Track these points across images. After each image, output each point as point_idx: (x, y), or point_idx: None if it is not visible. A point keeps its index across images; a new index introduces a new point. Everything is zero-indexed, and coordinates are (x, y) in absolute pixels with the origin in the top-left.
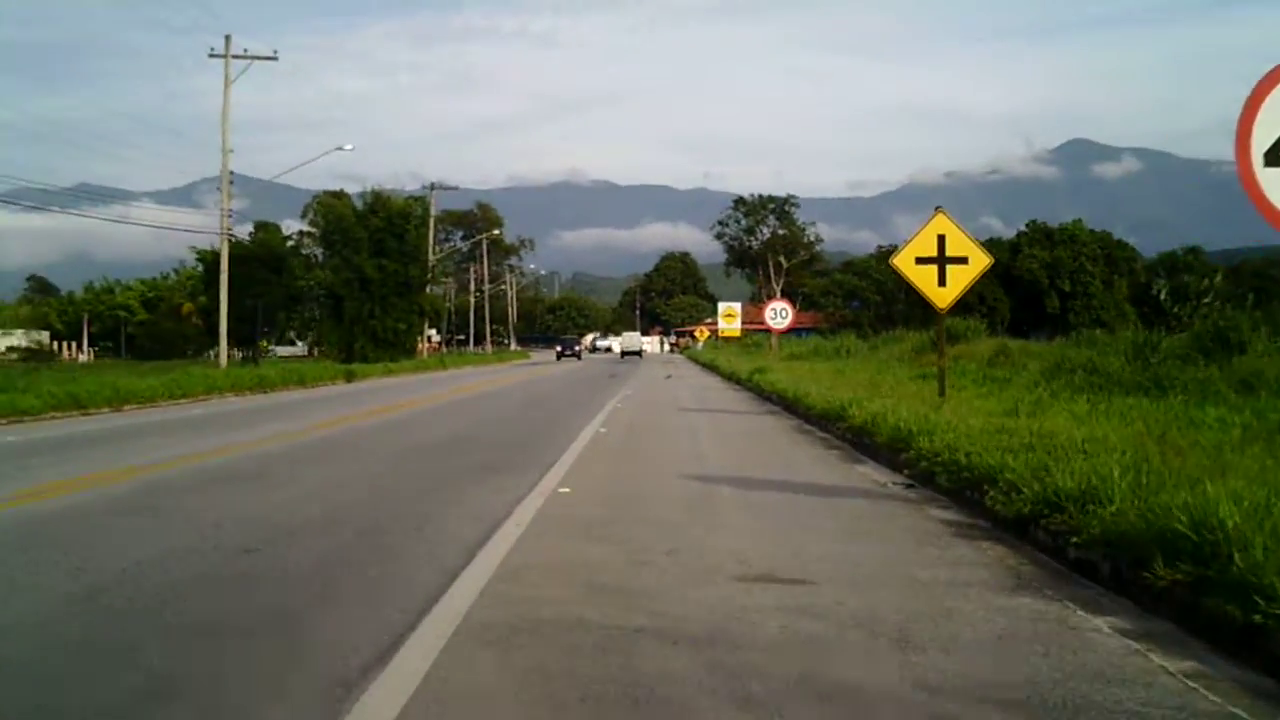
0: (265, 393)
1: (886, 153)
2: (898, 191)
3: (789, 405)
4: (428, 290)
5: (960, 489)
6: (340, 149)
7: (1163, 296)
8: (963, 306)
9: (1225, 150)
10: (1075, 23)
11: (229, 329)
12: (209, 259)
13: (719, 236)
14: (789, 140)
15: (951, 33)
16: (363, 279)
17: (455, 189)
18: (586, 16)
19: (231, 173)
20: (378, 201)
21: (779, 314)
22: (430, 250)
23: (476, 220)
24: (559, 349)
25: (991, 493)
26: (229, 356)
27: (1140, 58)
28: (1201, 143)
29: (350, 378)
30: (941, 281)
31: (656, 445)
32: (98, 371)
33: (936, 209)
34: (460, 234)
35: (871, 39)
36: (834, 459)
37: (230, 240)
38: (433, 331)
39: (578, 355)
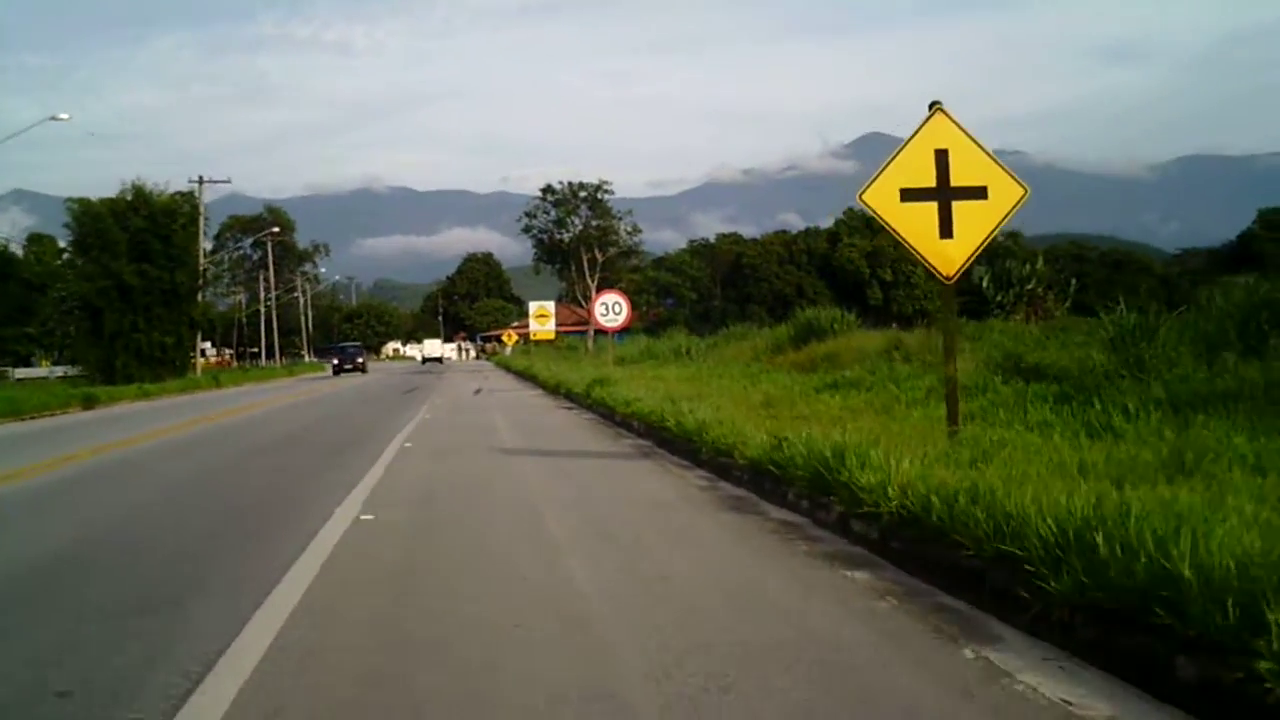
0: None
1: (685, 152)
2: (697, 189)
3: (670, 440)
4: (200, 298)
5: None
6: (55, 119)
7: (985, 284)
8: (777, 298)
9: (1017, 141)
10: (865, 20)
11: None
12: None
13: (526, 230)
14: (588, 141)
15: (747, 33)
16: (122, 287)
17: (227, 182)
18: (381, 23)
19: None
20: (139, 198)
21: (612, 309)
22: (201, 253)
23: (267, 225)
24: (334, 361)
25: None
26: None
27: (930, 50)
28: (994, 133)
29: (90, 404)
30: (946, 230)
31: (470, 592)
32: None
33: (933, 105)
34: (249, 240)
35: (669, 40)
36: (967, 656)
37: None
38: (206, 345)
39: (361, 368)
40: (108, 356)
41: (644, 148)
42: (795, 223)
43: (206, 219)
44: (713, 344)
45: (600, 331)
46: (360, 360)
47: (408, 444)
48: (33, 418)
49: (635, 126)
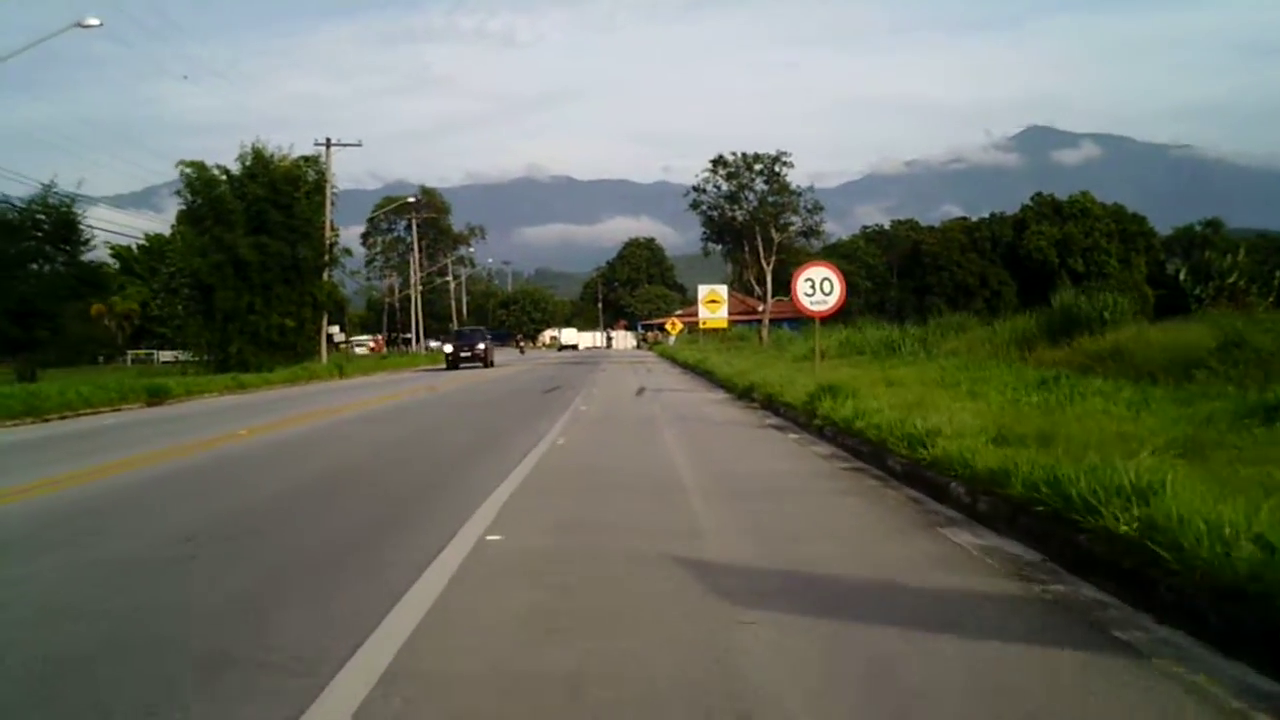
0: None
1: (847, 144)
2: (860, 181)
3: (1134, 575)
4: (326, 276)
5: None
6: (81, 25)
7: (1182, 276)
8: (958, 288)
9: (1181, 133)
10: (1033, 10)
11: None
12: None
13: (694, 206)
14: (749, 132)
15: (910, 24)
16: (238, 263)
17: (358, 145)
18: (545, 14)
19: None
20: (258, 164)
21: (820, 288)
22: (329, 226)
23: (422, 207)
24: (449, 351)
25: None
26: None
27: (1096, 44)
28: (1158, 126)
29: (158, 398)
30: None
31: None
32: None
33: None
34: (403, 223)
35: (830, 32)
36: None
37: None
38: (335, 328)
39: (483, 359)
40: (221, 340)
41: (807, 139)
42: (958, 215)
43: (336, 189)
44: (921, 336)
45: (777, 321)
46: (482, 347)
47: (492, 537)
48: (60, 418)
49: (797, 118)
